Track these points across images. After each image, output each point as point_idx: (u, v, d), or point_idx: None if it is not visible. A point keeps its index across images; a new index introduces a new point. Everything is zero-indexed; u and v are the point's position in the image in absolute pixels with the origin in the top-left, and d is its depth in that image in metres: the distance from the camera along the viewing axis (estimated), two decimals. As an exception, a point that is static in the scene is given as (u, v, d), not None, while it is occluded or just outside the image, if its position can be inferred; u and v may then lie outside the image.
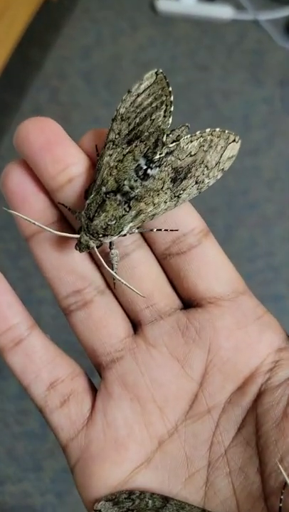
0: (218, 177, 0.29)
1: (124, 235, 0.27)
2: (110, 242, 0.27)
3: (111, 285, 0.29)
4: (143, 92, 0.27)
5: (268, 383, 0.26)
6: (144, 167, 0.27)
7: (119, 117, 0.27)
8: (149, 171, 0.27)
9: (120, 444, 0.27)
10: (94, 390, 0.29)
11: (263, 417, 0.26)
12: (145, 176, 0.27)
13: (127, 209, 0.27)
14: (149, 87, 0.27)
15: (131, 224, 0.27)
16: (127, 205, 0.27)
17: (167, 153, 0.27)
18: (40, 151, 0.27)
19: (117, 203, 0.27)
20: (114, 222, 0.27)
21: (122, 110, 0.27)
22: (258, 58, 0.98)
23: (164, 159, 0.27)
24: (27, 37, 0.88)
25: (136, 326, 0.29)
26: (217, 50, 0.96)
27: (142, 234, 0.28)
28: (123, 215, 0.27)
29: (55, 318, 0.78)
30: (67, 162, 0.27)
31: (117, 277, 0.27)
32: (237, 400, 0.27)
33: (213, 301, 0.28)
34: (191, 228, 0.28)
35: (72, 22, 0.97)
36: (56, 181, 0.27)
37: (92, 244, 0.27)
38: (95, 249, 0.27)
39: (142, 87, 0.27)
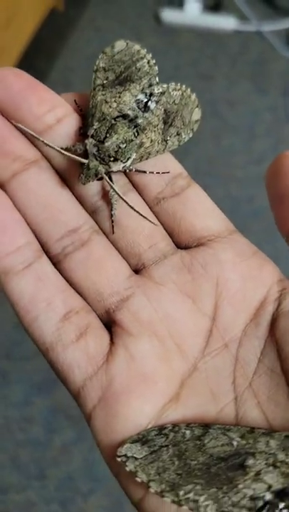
0: (190, 136, 0.30)
1: (125, 170, 0.27)
2: (110, 177, 0.27)
3: (107, 230, 0.27)
4: (118, 53, 0.29)
5: (280, 310, 0.26)
6: (145, 100, 0.28)
7: (101, 69, 0.28)
8: (149, 103, 0.28)
9: (148, 377, 0.25)
10: (110, 333, 0.27)
11: (283, 340, 0.25)
12: (146, 108, 0.28)
13: (136, 134, 0.27)
14: (123, 49, 0.29)
15: (134, 156, 0.27)
16: (135, 130, 0.27)
17: (161, 93, 0.29)
18: (23, 92, 0.26)
19: (127, 126, 0.27)
20: (124, 145, 0.27)
21: (103, 64, 0.29)
22: (261, 68, 0.99)
23: (160, 97, 0.28)
24: (33, 46, 0.89)
25: (138, 270, 0.27)
26: (221, 60, 0.96)
27: (130, 181, 0.28)
28: (132, 140, 0.27)
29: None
30: (53, 103, 0.27)
31: (129, 204, 0.26)
32: (252, 331, 0.26)
33: (212, 238, 0.27)
34: (179, 172, 0.28)
35: (77, 32, 0.98)
36: (43, 122, 0.26)
37: (102, 169, 0.26)
38: (104, 175, 0.26)
39: (116, 50, 0.29)
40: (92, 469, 0.76)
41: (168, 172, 0.28)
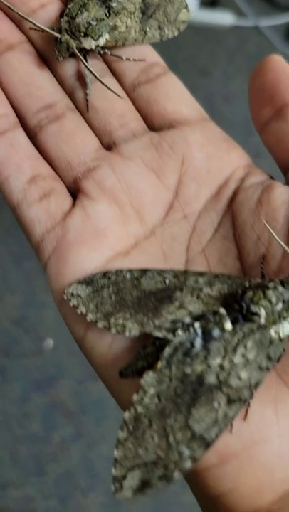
0: (175, 34, 0.32)
1: (99, 51, 0.29)
2: (85, 57, 0.29)
3: (82, 109, 0.29)
4: None
5: (241, 186, 0.28)
6: None
7: None
8: None
9: (99, 232, 0.27)
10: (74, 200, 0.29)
11: (239, 210, 0.27)
12: None
13: (107, 14, 0.30)
14: None
15: (107, 36, 0.29)
16: (107, 10, 0.30)
17: None
18: None
19: (99, 5, 0.29)
20: (95, 23, 0.29)
21: None
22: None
23: None
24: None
25: (110, 147, 0.29)
26: (218, 56, 0.96)
27: (110, 68, 0.30)
28: (103, 19, 0.29)
29: (57, 321, 0.78)
30: None
31: (96, 75, 0.28)
32: (212, 205, 0.28)
33: (183, 121, 0.29)
34: (156, 61, 0.30)
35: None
36: (28, 6, 0.29)
37: (73, 43, 0.28)
38: (75, 50, 0.28)
39: None
40: (91, 465, 0.76)
41: (144, 60, 0.30)
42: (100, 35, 0.29)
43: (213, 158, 0.28)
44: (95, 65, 0.30)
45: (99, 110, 0.29)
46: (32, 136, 0.29)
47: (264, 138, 0.29)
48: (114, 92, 0.28)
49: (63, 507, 0.75)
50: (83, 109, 0.30)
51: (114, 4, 0.30)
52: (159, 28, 0.31)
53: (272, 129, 0.28)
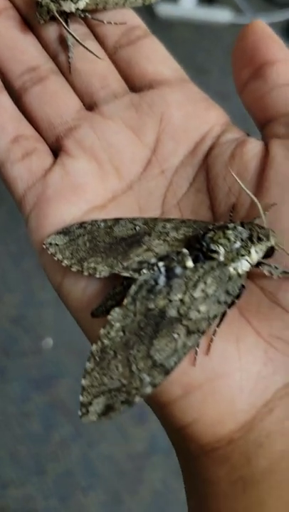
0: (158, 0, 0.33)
1: (80, 15, 0.31)
2: (67, 21, 0.31)
3: (65, 71, 0.31)
4: None
5: (217, 142, 0.29)
6: None
7: None
8: None
9: (77, 187, 0.28)
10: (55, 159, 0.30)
11: (213, 164, 0.28)
12: None
13: None
14: None
15: (87, 0, 0.31)
16: None
17: None
18: None
19: None
20: None
21: None
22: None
23: None
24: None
25: (91, 108, 0.30)
26: (216, 53, 0.96)
27: (92, 32, 0.31)
28: None
29: (56, 320, 0.78)
30: None
31: (77, 38, 0.30)
32: (189, 161, 0.29)
33: (163, 82, 0.30)
34: (137, 24, 0.31)
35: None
36: None
37: (53, 6, 0.30)
38: (56, 13, 0.30)
39: None
40: (91, 464, 0.76)
41: (125, 23, 0.31)
42: None
43: (191, 116, 0.30)
44: (78, 28, 0.31)
45: (81, 72, 0.30)
46: (17, 98, 0.30)
47: (243, 98, 0.30)
48: (94, 54, 0.30)
49: (63, 506, 0.75)
50: (66, 71, 0.31)
51: None
52: None
53: (251, 88, 0.29)
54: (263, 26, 0.29)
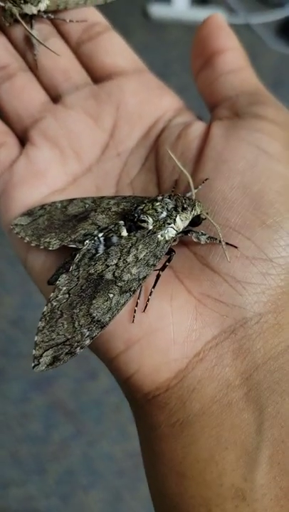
0: None
1: (43, 16, 0.34)
2: (31, 22, 0.34)
3: (33, 68, 0.34)
4: None
5: (168, 125, 0.32)
6: None
7: None
8: None
9: (39, 173, 0.31)
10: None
11: (161, 145, 0.31)
12: None
13: None
14: None
15: (47, 2, 0.34)
16: None
17: None
18: None
19: None
20: None
21: None
22: (250, 61, 0.99)
23: None
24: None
25: (57, 100, 0.33)
26: (210, 54, 0.97)
27: (58, 30, 0.34)
28: None
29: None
30: None
31: (35, 37, 0.33)
32: (142, 143, 0.32)
33: (120, 73, 0.33)
34: (98, 21, 0.34)
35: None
36: None
37: (15, 10, 0.33)
38: (18, 16, 0.33)
39: None
40: (91, 463, 0.76)
41: (86, 21, 0.34)
42: (39, 1, 0.34)
43: (146, 102, 0.32)
44: (43, 28, 0.34)
45: (46, 68, 0.33)
46: None
47: (198, 85, 0.33)
48: (52, 51, 0.33)
49: (64, 505, 0.75)
50: (33, 68, 0.34)
51: None
52: None
53: (203, 76, 0.32)
54: (217, 18, 0.32)
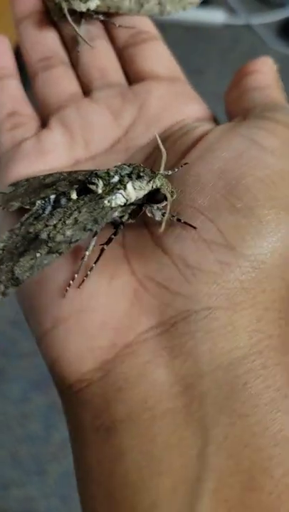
0: (178, 11, 0.38)
1: (92, 15, 0.35)
2: (81, 20, 0.35)
3: (74, 62, 0.35)
4: None
5: (181, 127, 0.31)
6: None
7: None
8: None
9: (43, 152, 0.31)
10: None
11: (166, 142, 0.30)
12: None
13: None
14: None
15: (98, 2, 0.35)
16: None
17: None
18: None
19: None
20: None
21: None
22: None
23: None
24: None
25: (87, 94, 0.34)
26: (211, 55, 0.97)
27: (108, 32, 0.36)
28: None
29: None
30: None
31: (78, 32, 0.34)
32: (152, 143, 0.31)
33: (154, 78, 0.33)
34: (146, 29, 0.35)
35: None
36: None
37: (64, 5, 0.34)
38: (65, 10, 0.34)
39: None
40: (91, 464, 0.76)
41: (134, 28, 0.35)
42: (89, 0, 0.35)
43: (168, 107, 0.32)
44: (93, 29, 0.36)
45: (85, 64, 0.34)
46: (31, 81, 0.35)
47: (226, 108, 0.33)
48: (87, 43, 0.34)
49: (65, 506, 0.75)
50: (75, 63, 0.35)
51: None
52: (159, 3, 0.36)
53: (230, 96, 0.33)
54: (268, 61, 0.33)
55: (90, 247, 0.26)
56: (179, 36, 0.97)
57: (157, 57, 0.34)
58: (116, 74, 0.34)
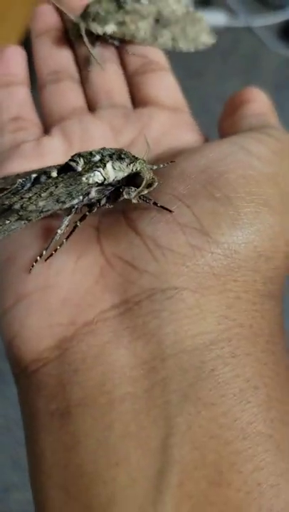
0: (191, 50, 0.39)
1: (107, 39, 0.36)
2: (95, 42, 0.36)
3: (83, 81, 0.36)
4: None
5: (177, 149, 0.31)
6: None
7: None
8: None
9: (39, 153, 0.32)
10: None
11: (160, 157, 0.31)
12: (137, 0, 0.37)
13: (117, 9, 0.37)
14: None
15: (114, 28, 0.36)
16: (117, 4, 0.37)
17: None
18: None
19: (113, 2, 0.37)
20: (103, 13, 0.36)
21: None
22: (252, 64, 0.99)
23: None
24: (29, 40, 0.89)
25: (92, 110, 0.35)
26: (211, 57, 0.97)
27: (119, 55, 0.37)
28: (110, 13, 0.36)
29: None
30: None
31: (92, 52, 0.35)
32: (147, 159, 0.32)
33: (158, 105, 0.34)
34: (156, 60, 0.36)
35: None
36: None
37: (82, 26, 0.36)
38: (83, 33, 0.35)
39: None
40: (92, 466, 0.76)
41: (146, 57, 0.36)
42: (106, 24, 0.36)
43: (167, 133, 0.33)
44: (105, 52, 0.37)
45: (94, 83, 0.35)
46: (39, 91, 0.36)
47: (220, 132, 0.33)
48: (98, 63, 0.35)
49: (65, 509, 0.75)
50: (83, 81, 0.36)
51: (125, 5, 0.37)
52: (173, 39, 0.38)
53: (226, 124, 0.33)
54: (254, 91, 0.33)
55: (63, 226, 0.26)
56: (179, 38, 0.97)
57: (164, 87, 0.35)
58: (122, 97, 0.35)
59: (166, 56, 0.37)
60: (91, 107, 0.35)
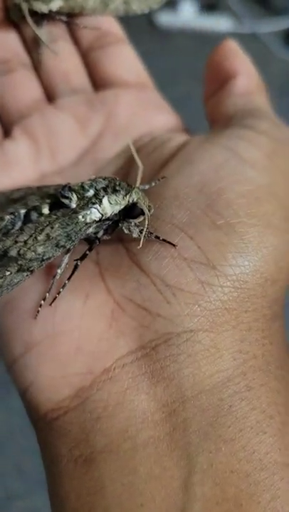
0: (145, 11, 0.36)
1: (54, 16, 0.33)
2: (42, 22, 0.33)
3: (36, 66, 0.33)
4: None
5: (153, 139, 0.30)
6: None
7: None
8: None
9: (7, 165, 0.30)
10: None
11: (139, 154, 0.29)
12: None
13: None
14: None
15: (60, 3, 0.33)
16: None
17: None
18: None
19: None
20: None
21: None
22: (257, 69, 0.99)
23: None
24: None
25: (51, 100, 0.33)
26: (216, 62, 0.97)
27: (71, 34, 0.34)
28: None
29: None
30: None
31: (39, 35, 0.32)
32: (122, 154, 0.30)
33: (121, 84, 0.32)
34: (112, 31, 0.33)
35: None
36: None
37: (24, 6, 0.32)
38: (25, 12, 0.32)
39: None
40: (96, 475, 0.75)
41: (99, 29, 0.33)
42: (51, 1, 0.33)
43: (137, 117, 0.31)
44: (55, 30, 0.34)
45: (48, 68, 0.33)
46: None
47: (207, 107, 0.32)
48: (52, 51, 0.32)
49: (69, 518, 0.74)
50: (36, 66, 0.33)
51: None
52: (125, 2, 0.35)
53: (212, 100, 0.31)
54: (230, 43, 0.32)
55: (63, 265, 0.25)
56: (184, 44, 0.97)
57: (124, 61, 0.33)
58: (80, 78, 0.33)
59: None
60: (49, 95, 0.33)
